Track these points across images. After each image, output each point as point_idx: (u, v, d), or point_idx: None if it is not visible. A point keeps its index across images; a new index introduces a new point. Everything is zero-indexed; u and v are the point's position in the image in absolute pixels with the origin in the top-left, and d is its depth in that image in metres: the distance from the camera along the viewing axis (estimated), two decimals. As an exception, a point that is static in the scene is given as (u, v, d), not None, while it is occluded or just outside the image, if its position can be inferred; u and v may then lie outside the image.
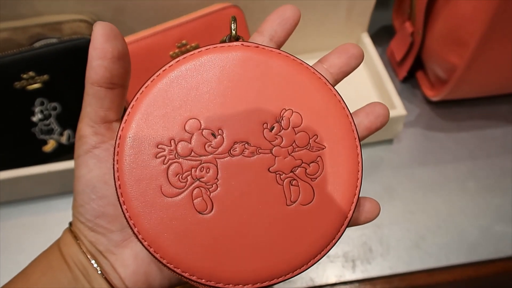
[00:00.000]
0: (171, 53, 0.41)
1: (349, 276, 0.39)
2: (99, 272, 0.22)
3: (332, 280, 0.39)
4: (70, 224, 0.24)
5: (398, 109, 0.44)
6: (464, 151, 0.47)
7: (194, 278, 0.19)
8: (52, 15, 0.42)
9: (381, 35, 0.57)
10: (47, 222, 0.43)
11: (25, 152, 0.42)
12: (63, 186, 0.44)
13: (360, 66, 0.53)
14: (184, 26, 0.41)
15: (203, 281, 0.19)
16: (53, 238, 0.41)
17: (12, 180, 0.41)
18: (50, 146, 0.42)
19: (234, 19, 0.22)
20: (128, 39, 0.39)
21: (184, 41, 0.41)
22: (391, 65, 0.55)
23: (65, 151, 0.43)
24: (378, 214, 0.24)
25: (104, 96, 0.21)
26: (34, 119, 0.41)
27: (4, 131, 0.41)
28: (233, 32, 0.22)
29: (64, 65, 0.39)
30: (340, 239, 0.21)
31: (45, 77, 0.39)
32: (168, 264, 0.19)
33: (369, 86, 0.51)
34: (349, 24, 0.52)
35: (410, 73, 0.52)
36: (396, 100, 0.45)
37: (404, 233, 0.42)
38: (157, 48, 0.40)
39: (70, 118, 0.42)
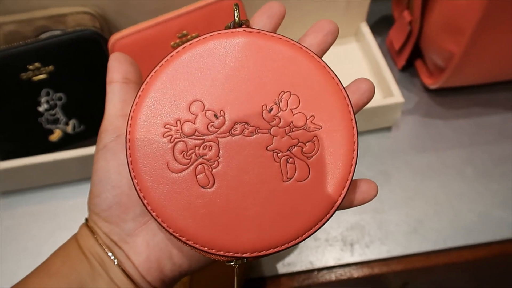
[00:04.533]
0: (172, 43, 0.42)
1: (348, 259, 0.40)
2: (115, 262, 0.23)
3: (331, 263, 0.40)
4: (86, 220, 0.25)
5: (395, 96, 0.45)
6: (462, 138, 0.48)
7: (197, 246, 0.21)
8: (56, 7, 0.43)
9: (380, 25, 0.57)
10: (54, 210, 0.45)
11: (32, 141, 0.43)
12: (69, 175, 0.45)
13: (359, 55, 0.54)
14: (185, 16, 0.41)
15: (205, 248, 0.21)
16: (59, 225, 0.43)
17: (20, 169, 0.42)
18: (56, 135, 0.43)
19: (237, 6, 0.23)
20: (131, 29, 0.40)
21: (184, 32, 0.42)
22: (390, 55, 0.55)
23: (71, 140, 0.44)
24: (375, 195, 0.24)
25: (119, 89, 0.25)
26: (41, 109, 0.42)
27: (12, 121, 0.42)
28: (236, 19, 0.23)
29: (69, 56, 0.40)
30: (333, 214, 0.22)
31: (50, 68, 0.40)
32: (174, 233, 0.21)
33: (367, 75, 0.52)
34: (348, 14, 0.52)
35: (409, 62, 0.53)
36: (394, 87, 0.46)
37: (402, 218, 0.42)
38: (159, 39, 0.41)
39: (75, 108, 0.43)
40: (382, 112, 0.45)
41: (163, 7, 0.44)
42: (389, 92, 0.46)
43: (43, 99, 0.41)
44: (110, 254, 0.23)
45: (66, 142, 0.44)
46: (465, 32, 0.41)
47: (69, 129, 0.44)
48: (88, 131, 0.44)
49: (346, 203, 0.24)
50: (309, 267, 0.40)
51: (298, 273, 0.40)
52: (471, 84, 0.50)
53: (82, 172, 0.45)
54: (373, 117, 0.46)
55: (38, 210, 0.45)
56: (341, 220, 0.42)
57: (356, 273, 0.40)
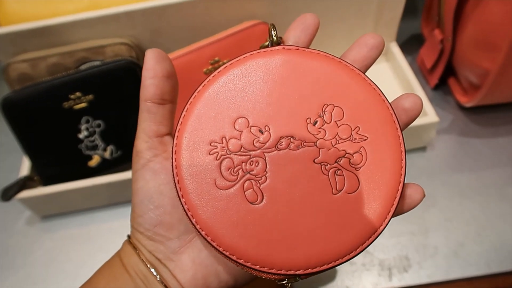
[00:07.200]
0: (204, 69, 0.43)
1: (385, 284, 0.39)
2: (158, 279, 0.23)
3: (368, 288, 0.39)
4: (129, 236, 0.25)
5: (430, 116, 0.44)
6: (501, 156, 0.46)
7: (248, 264, 0.20)
8: (95, 39, 0.45)
9: (410, 44, 0.57)
10: (92, 233, 0.46)
11: (72, 167, 0.45)
12: (107, 199, 0.46)
13: (389, 75, 0.54)
14: (216, 44, 0.43)
15: (257, 267, 0.20)
16: (96, 247, 0.44)
17: (60, 194, 0.44)
18: (94, 161, 0.45)
19: (274, 27, 0.23)
20: (165, 58, 0.42)
21: (216, 58, 0.43)
22: (422, 73, 0.55)
23: (109, 166, 0.46)
24: (422, 199, 0.23)
25: (156, 111, 0.24)
26: (80, 136, 0.44)
27: (54, 148, 0.44)
28: (274, 38, 0.23)
29: (107, 85, 0.42)
30: (387, 225, 0.21)
31: (90, 96, 0.42)
32: (224, 252, 0.20)
33: (399, 95, 0.51)
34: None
35: (441, 80, 0.52)
36: (427, 106, 0.45)
37: (441, 241, 0.41)
38: (192, 66, 0.42)
39: (112, 134, 0.45)
40: (416, 132, 0.45)
41: (194, 35, 0.45)
42: (422, 112, 0.45)
43: (83, 127, 0.43)
44: (152, 270, 0.23)
45: (104, 168, 0.45)
46: (500, 49, 0.40)
47: (107, 154, 0.45)
48: (125, 156, 0.46)
49: (396, 212, 0.23)
50: (345, 292, 0.39)
51: (334, 299, 0.39)
52: (508, 101, 0.49)
53: (119, 196, 0.46)
54: (407, 137, 0.45)
55: (77, 233, 0.46)
56: (377, 243, 0.41)
57: (395, 299, 0.38)
